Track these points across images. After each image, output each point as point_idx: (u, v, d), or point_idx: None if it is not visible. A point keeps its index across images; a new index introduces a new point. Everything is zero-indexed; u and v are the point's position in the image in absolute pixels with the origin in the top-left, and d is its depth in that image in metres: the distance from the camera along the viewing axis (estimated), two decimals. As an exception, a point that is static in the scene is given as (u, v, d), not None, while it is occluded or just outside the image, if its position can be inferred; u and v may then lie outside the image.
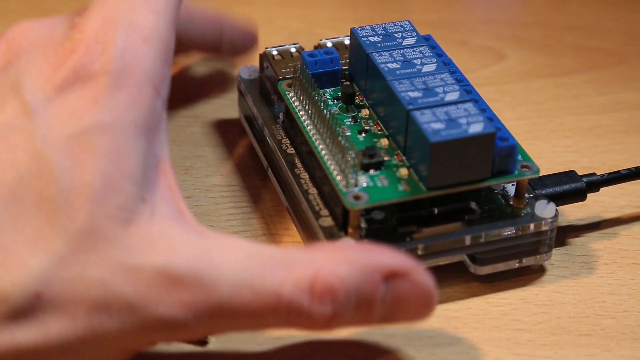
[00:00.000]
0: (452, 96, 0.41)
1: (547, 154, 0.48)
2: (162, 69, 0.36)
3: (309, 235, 0.42)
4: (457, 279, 0.42)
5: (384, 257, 0.35)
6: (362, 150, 0.41)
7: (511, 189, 0.42)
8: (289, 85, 0.44)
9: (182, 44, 0.46)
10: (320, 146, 0.41)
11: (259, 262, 0.34)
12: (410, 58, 0.42)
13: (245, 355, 0.39)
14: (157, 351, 0.38)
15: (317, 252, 0.35)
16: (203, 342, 0.39)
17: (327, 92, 0.44)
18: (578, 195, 0.43)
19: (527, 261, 0.42)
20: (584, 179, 0.44)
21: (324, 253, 0.34)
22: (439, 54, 0.44)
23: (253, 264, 0.34)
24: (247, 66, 0.48)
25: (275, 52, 0.47)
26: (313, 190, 0.42)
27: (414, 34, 0.44)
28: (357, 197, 0.39)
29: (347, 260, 0.34)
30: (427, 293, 0.35)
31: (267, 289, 0.33)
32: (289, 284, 0.33)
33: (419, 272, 0.35)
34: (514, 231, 0.41)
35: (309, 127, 0.42)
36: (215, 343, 0.39)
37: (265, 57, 0.47)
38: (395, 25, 0.44)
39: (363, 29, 0.44)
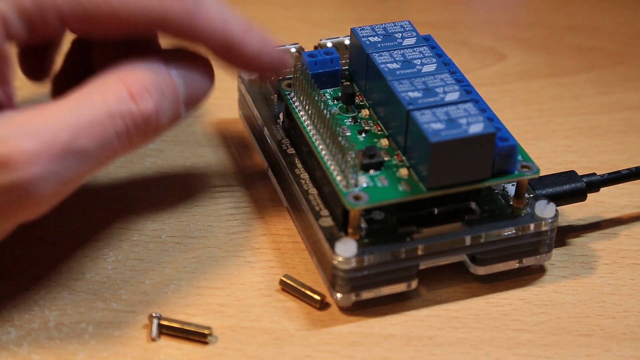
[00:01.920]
0: (452, 96, 0.41)
1: (547, 154, 0.48)
2: None
3: (309, 235, 0.42)
4: (457, 279, 0.42)
5: (162, 55, 0.39)
6: (362, 150, 0.41)
7: (511, 189, 0.42)
8: (289, 85, 0.44)
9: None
10: (320, 146, 0.41)
11: (77, 101, 0.37)
12: (410, 58, 0.42)
13: (245, 356, 0.39)
14: (156, 351, 0.38)
15: (113, 70, 0.38)
16: (204, 340, 0.39)
17: (327, 92, 0.44)
18: (578, 195, 0.43)
19: (527, 261, 0.42)
20: (584, 179, 0.43)
21: (119, 68, 0.38)
22: (439, 54, 0.44)
23: (74, 105, 0.37)
24: (247, 66, 0.48)
25: (275, 52, 0.47)
26: (313, 191, 0.42)
27: (414, 34, 0.44)
28: (357, 198, 0.39)
29: (139, 65, 0.38)
30: (203, 60, 0.40)
31: (99, 115, 0.36)
32: (111, 101, 0.37)
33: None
34: (514, 231, 0.41)
35: (309, 127, 0.42)
36: (216, 343, 0.39)
37: (265, 57, 0.47)
38: (395, 25, 0.44)
39: (363, 29, 0.44)
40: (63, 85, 0.43)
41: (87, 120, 0.36)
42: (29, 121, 0.36)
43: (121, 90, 0.37)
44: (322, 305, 0.40)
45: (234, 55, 0.40)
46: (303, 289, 0.40)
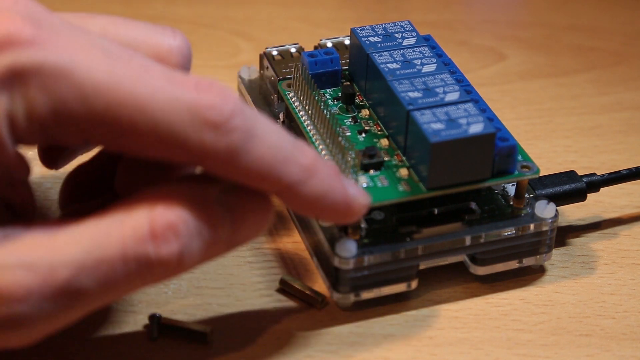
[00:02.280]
0: (452, 96, 0.41)
1: (547, 154, 0.48)
2: None
3: (309, 235, 0.42)
4: (457, 279, 0.42)
5: (211, 181, 0.34)
6: (362, 150, 0.41)
7: (511, 189, 0.42)
8: (289, 85, 0.44)
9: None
10: (320, 146, 0.41)
11: (91, 232, 0.32)
12: (410, 58, 0.42)
13: (245, 356, 0.39)
14: (156, 351, 0.38)
15: (145, 197, 0.33)
16: (204, 340, 0.39)
17: (327, 92, 0.44)
18: (578, 195, 0.43)
19: (527, 261, 0.42)
20: (584, 179, 0.43)
21: (151, 196, 0.33)
22: (439, 54, 0.44)
23: (86, 237, 0.32)
24: (247, 66, 0.48)
25: (275, 52, 0.47)
26: (313, 191, 0.42)
27: (414, 34, 0.44)
28: (357, 197, 0.39)
29: (176, 194, 0.33)
30: (261, 198, 0.34)
31: (110, 254, 0.32)
32: (129, 239, 0.32)
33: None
34: (514, 231, 0.41)
35: (309, 127, 0.42)
36: (215, 343, 0.39)
37: (265, 57, 0.47)
38: (395, 25, 0.44)
39: (363, 29, 0.44)
40: (74, 192, 0.39)
41: (96, 258, 0.32)
42: (31, 249, 0.32)
43: (143, 227, 0.32)
44: (322, 305, 0.40)
45: (290, 197, 0.34)
46: (303, 289, 0.40)
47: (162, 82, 0.32)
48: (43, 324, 0.33)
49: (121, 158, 0.38)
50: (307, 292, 0.40)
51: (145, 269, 0.33)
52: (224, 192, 0.34)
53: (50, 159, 0.39)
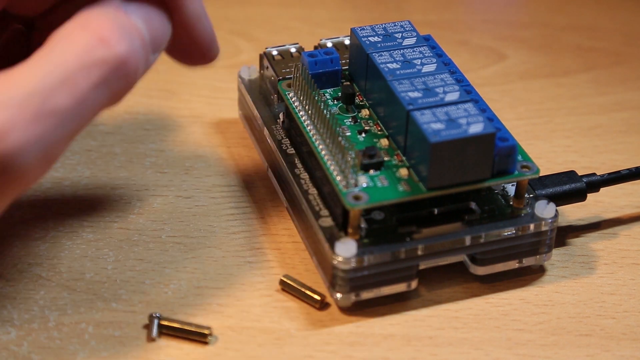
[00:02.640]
0: (452, 96, 0.41)
1: (547, 154, 0.48)
2: None
3: (309, 235, 0.42)
4: (457, 279, 0.42)
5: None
6: (362, 150, 0.41)
7: (511, 189, 0.42)
8: (289, 85, 0.44)
9: None
10: (320, 146, 0.41)
11: (44, 59, 0.34)
12: (410, 58, 0.42)
13: (245, 356, 0.39)
14: (156, 351, 0.38)
15: (74, 22, 0.35)
16: (204, 340, 0.39)
17: (327, 92, 0.44)
18: (578, 195, 0.43)
19: (527, 261, 0.42)
20: (584, 179, 0.44)
21: (79, 19, 0.35)
22: (439, 54, 0.44)
23: (41, 64, 0.34)
24: (247, 66, 0.48)
25: (275, 52, 0.47)
26: (313, 191, 0.42)
27: (414, 34, 0.44)
28: (357, 198, 0.39)
29: (96, 12, 0.35)
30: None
31: (70, 68, 0.34)
32: (81, 51, 0.34)
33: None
34: (514, 231, 0.41)
35: (309, 127, 0.42)
36: (216, 343, 0.39)
37: (265, 57, 0.47)
38: (395, 25, 0.44)
39: (363, 29, 0.44)
40: None
41: (58, 77, 0.34)
42: None
43: (89, 38, 0.34)
44: (322, 305, 0.40)
45: (175, 11, 0.37)
46: (303, 289, 0.40)
47: None
48: (37, 155, 0.34)
49: (34, 26, 0.40)
50: (307, 292, 0.40)
51: (110, 72, 0.35)
52: (128, 3, 0.36)
53: None
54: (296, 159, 0.43)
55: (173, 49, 0.39)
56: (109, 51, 0.34)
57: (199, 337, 0.39)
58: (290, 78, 0.45)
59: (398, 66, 0.42)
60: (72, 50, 0.34)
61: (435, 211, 0.41)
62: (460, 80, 0.43)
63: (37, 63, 0.34)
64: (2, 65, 0.37)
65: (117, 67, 0.35)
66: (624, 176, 0.44)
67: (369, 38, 0.43)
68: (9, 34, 0.41)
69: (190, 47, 0.39)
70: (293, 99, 0.44)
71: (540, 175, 0.41)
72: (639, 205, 0.46)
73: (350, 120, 0.43)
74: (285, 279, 0.41)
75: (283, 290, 0.41)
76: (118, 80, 0.35)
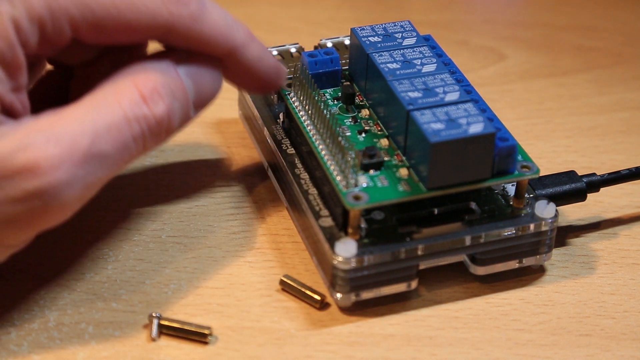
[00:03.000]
0: (452, 96, 0.41)
1: (547, 154, 0.48)
2: None
3: (309, 235, 0.42)
4: (457, 279, 0.42)
5: (167, 54, 0.39)
6: (362, 150, 0.41)
7: (511, 189, 0.42)
8: (289, 85, 0.44)
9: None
10: (320, 146, 0.41)
11: (92, 106, 0.37)
12: (410, 58, 0.42)
13: (245, 355, 0.39)
14: (156, 351, 0.38)
15: (122, 74, 0.38)
16: (204, 340, 0.39)
17: (327, 92, 0.44)
18: (578, 195, 0.43)
19: (527, 261, 0.42)
20: (584, 179, 0.44)
21: (127, 72, 0.38)
22: (439, 54, 0.44)
23: (89, 110, 0.36)
24: (247, 66, 0.48)
25: (275, 52, 0.47)
26: (313, 190, 0.42)
27: (414, 34, 0.44)
28: (357, 197, 0.39)
29: (146, 68, 0.38)
30: (212, 60, 0.40)
31: (116, 119, 0.37)
32: (126, 105, 0.37)
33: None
34: (514, 231, 0.41)
35: (309, 127, 0.42)
36: (216, 343, 0.39)
37: (265, 57, 0.47)
38: (395, 25, 0.44)
39: (363, 29, 0.44)
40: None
41: (105, 124, 0.36)
42: (49, 126, 0.36)
43: (134, 94, 0.37)
44: (322, 305, 0.40)
45: (236, 60, 0.40)
46: (303, 289, 0.40)
47: None
48: (76, 193, 0.36)
49: (72, 74, 0.42)
50: (307, 292, 0.40)
51: (147, 129, 0.37)
52: (181, 61, 0.39)
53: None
54: (296, 159, 0.43)
55: (241, 86, 0.42)
56: (148, 110, 0.37)
57: (199, 337, 0.39)
58: (290, 78, 0.45)
59: (398, 66, 0.42)
60: (119, 102, 0.37)
61: (435, 211, 0.41)
62: (460, 80, 0.43)
63: (88, 107, 0.36)
64: (35, 105, 0.39)
65: (154, 126, 0.37)
66: (624, 176, 0.44)
67: (369, 38, 0.43)
68: (47, 76, 0.43)
69: (258, 82, 0.41)
70: (293, 99, 0.44)
71: (540, 175, 0.41)
72: (639, 205, 0.46)
73: (350, 120, 0.43)
74: (285, 279, 0.41)
75: (283, 290, 0.41)
76: (152, 136, 0.38)
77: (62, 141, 0.35)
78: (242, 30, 0.40)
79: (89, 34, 0.37)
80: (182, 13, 0.38)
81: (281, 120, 0.45)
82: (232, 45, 0.39)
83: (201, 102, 0.40)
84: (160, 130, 0.38)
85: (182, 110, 0.38)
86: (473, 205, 0.41)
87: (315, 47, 0.47)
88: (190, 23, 0.38)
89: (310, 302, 0.40)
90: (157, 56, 0.39)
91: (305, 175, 0.43)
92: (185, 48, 0.39)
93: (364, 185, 0.40)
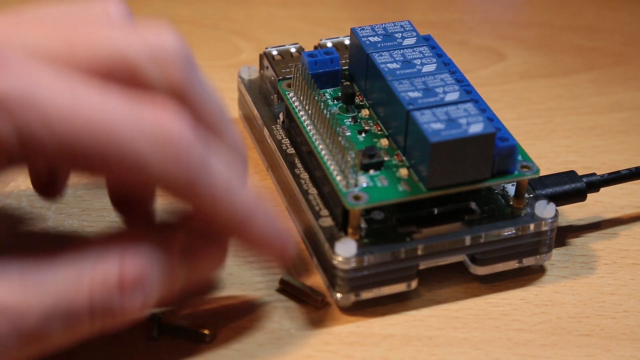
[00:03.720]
0: (452, 96, 0.41)
1: (547, 154, 0.48)
2: None
3: (309, 235, 0.42)
4: (457, 279, 0.42)
5: (175, 228, 0.35)
6: (362, 150, 0.41)
7: (511, 189, 0.42)
8: (289, 85, 0.44)
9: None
10: (320, 146, 0.41)
11: (62, 279, 0.33)
12: (410, 58, 0.42)
13: (245, 355, 0.39)
14: (156, 351, 0.38)
15: (115, 243, 0.34)
16: (204, 340, 0.39)
17: (327, 92, 0.44)
18: (578, 195, 0.43)
19: (527, 261, 0.42)
20: (584, 179, 0.44)
21: (122, 242, 0.34)
22: (439, 54, 0.44)
23: (57, 284, 0.33)
24: (247, 66, 0.48)
25: (275, 52, 0.47)
26: (313, 190, 0.42)
27: (414, 34, 0.44)
28: (357, 197, 0.39)
29: (144, 243, 0.34)
30: (218, 246, 0.36)
31: (78, 305, 0.33)
32: (97, 290, 0.33)
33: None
34: (514, 231, 0.41)
35: (309, 127, 0.42)
36: (215, 342, 0.39)
37: (265, 57, 0.47)
38: (395, 25, 0.44)
39: (363, 29, 0.44)
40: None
41: (64, 309, 0.33)
42: (4, 294, 0.32)
43: (113, 277, 0.33)
44: (322, 305, 0.40)
45: (238, 233, 0.36)
46: (303, 289, 0.40)
47: (123, 106, 0.32)
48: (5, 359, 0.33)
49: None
50: (307, 291, 0.40)
51: (109, 317, 0.34)
52: (185, 247, 0.35)
53: (42, 186, 0.40)
54: (296, 159, 0.43)
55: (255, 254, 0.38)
56: (120, 303, 0.33)
57: (199, 337, 0.39)
58: (290, 78, 0.45)
59: (398, 66, 0.42)
60: (89, 284, 0.33)
61: (435, 211, 0.41)
62: (460, 80, 0.43)
63: (54, 280, 0.33)
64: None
65: (118, 318, 0.34)
66: (624, 176, 0.44)
67: (369, 38, 0.43)
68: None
69: (257, 251, 0.38)
70: (293, 99, 0.44)
71: (540, 175, 0.41)
72: (639, 205, 0.46)
73: (350, 120, 0.43)
74: (285, 279, 0.41)
75: (283, 290, 0.41)
76: (112, 322, 0.34)
77: (9, 314, 0.32)
78: (245, 201, 0.35)
79: (70, 167, 0.34)
80: (179, 175, 0.33)
81: (281, 120, 0.45)
82: (231, 219, 0.35)
83: (187, 286, 0.36)
84: (123, 319, 0.34)
85: (160, 296, 0.35)
86: (473, 205, 0.41)
87: (315, 47, 0.47)
88: (185, 185, 0.33)
89: (310, 302, 0.40)
90: (160, 228, 0.35)
91: (305, 175, 0.43)
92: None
93: (364, 185, 0.40)
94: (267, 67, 0.46)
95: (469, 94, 0.42)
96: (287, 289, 0.41)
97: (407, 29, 0.44)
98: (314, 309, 0.40)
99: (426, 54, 0.43)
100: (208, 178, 0.33)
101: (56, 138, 0.31)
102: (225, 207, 0.34)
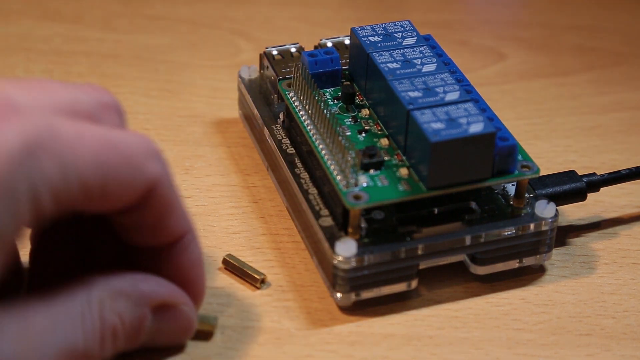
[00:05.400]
0: (452, 96, 0.41)
1: (547, 154, 0.48)
2: None
3: (309, 235, 0.42)
4: (457, 279, 0.42)
5: (155, 287, 0.36)
6: (362, 150, 0.41)
7: (511, 189, 0.42)
8: (289, 85, 0.44)
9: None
10: (321, 146, 0.41)
11: (62, 323, 0.34)
12: (410, 58, 0.42)
13: (245, 355, 0.39)
14: (156, 351, 0.38)
15: (94, 286, 0.35)
16: (205, 339, 0.39)
17: (327, 92, 0.44)
18: (578, 195, 0.43)
19: (527, 261, 0.42)
20: (584, 179, 0.44)
21: (100, 286, 0.35)
22: (439, 53, 0.44)
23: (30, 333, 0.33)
24: (247, 66, 0.48)
25: (275, 52, 0.47)
26: (313, 190, 0.42)
27: (414, 33, 0.44)
28: (357, 197, 0.39)
29: (123, 293, 0.35)
30: (188, 322, 0.38)
31: (77, 347, 0.34)
32: (90, 337, 0.34)
33: (185, 303, 0.37)
34: (514, 231, 0.41)
35: (309, 127, 0.42)
36: (216, 342, 0.39)
37: (265, 57, 0.47)
38: (395, 25, 0.44)
39: (363, 28, 0.44)
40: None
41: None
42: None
43: (95, 328, 0.34)
44: (262, 284, 0.41)
45: (184, 248, 0.37)
46: (243, 268, 0.41)
47: (106, 144, 0.34)
48: None
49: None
50: (247, 271, 0.41)
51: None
52: (160, 307, 0.37)
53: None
54: (296, 159, 0.43)
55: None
56: (99, 351, 0.35)
57: (200, 336, 0.39)
58: (290, 78, 0.45)
59: (398, 66, 0.42)
60: (83, 333, 0.34)
61: (436, 211, 0.41)
62: (461, 80, 0.43)
63: (27, 331, 0.33)
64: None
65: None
66: (624, 176, 0.44)
67: (369, 38, 0.43)
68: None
69: (188, 286, 0.38)
70: (293, 99, 0.44)
71: (541, 175, 0.41)
72: (639, 205, 0.46)
73: (350, 119, 0.43)
74: (227, 258, 0.41)
75: (226, 269, 0.41)
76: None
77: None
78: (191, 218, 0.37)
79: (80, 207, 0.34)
80: (163, 173, 0.35)
81: (281, 120, 0.45)
82: (187, 225, 0.37)
83: (148, 345, 0.37)
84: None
85: (120, 348, 0.36)
86: (473, 204, 0.41)
87: (315, 47, 0.47)
88: (168, 185, 0.35)
89: (249, 282, 0.41)
90: (140, 280, 0.36)
91: (305, 175, 0.43)
92: (151, 218, 0.36)
93: (364, 184, 0.40)
94: (267, 67, 0.46)
95: (469, 93, 0.42)
96: (229, 268, 0.41)
97: (407, 28, 0.44)
98: (254, 288, 0.41)
99: (426, 54, 0.43)
100: (171, 183, 0.36)
101: (83, 177, 0.33)
102: (180, 214, 0.36)
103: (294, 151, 0.44)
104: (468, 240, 0.40)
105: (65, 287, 0.35)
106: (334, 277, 0.39)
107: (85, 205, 0.33)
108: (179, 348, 0.38)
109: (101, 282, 0.35)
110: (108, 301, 0.35)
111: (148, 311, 0.36)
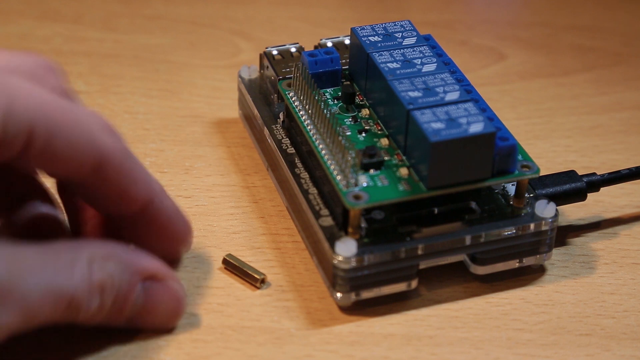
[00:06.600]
0: (452, 96, 0.41)
1: (547, 154, 0.48)
2: None
3: (309, 234, 0.42)
4: (457, 279, 0.42)
5: (145, 259, 0.38)
6: (362, 150, 0.41)
7: (511, 189, 0.42)
8: (289, 85, 0.44)
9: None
10: (321, 146, 0.41)
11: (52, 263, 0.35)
12: (410, 58, 0.42)
13: (245, 355, 0.39)
14: (156, 351, 0.38)
15: (86, 245, 0.36)
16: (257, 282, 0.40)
17: (327, 92, 0.44)
18: (578, 195, 0.43)
19: (527, 261, 0.42)
20: (584, 179, 0.44)
21: (92, 246, 0.36)
22: (439, 53, 0.44)
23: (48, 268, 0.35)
24: (247, 66, 0.48)
25: (275, 52, 0.47)
26: (313, 190, 0.42)
27: (414, 33, 0.44)
28: (357, 197, 0.39)
29: (114, 256, 0.36)
30: (177, 300, 0.38)
31: (64, 291, 0.35)
32: (78, 283, 0.35)
33: (174, 280, 0.38)
34: (514, 231, 0.41)
35: (309, 127, 0.42)
36: (215, 342, 0.39)
37: (265, 56, 0.47)
38: (395, 25, 0.44)
39: (363, 28, 0.44)
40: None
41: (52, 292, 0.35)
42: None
43: (84, 277, 0.35)
44: (262, 284, 0.41)
45: (155, 210, 0.38)
46: (243, 268, 0.41)
47: (59, 106, 0.35)
48: None
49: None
50: (248, 271, 0.41)
51: (70, 310, 0.35)
52: (149, 279, 0.38)
53: None
54: (296, 159, 0.43)
55: (153, 246, 0.39)
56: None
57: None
58: (290, 78, 0.45)
59: (398, 66, 0.42)
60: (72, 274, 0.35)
61: (436, 211, 0.41)
62: (461, 80, 0.43)
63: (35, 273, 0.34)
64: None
65: (72, 314, 0.35)
66: (624, 176, 0.44)
67: (369, 38, 0.43)
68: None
69: (171, 238, 0.40)
70: (293, 99, 0.44)
71: (541, 174, 0.41)
72: (639, 205, 0.46)
73: (350, 119, 0.43)
74: (227, 258, 0.41)
75: (226, 269, 0.41)
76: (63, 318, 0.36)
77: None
78: (157, 181, 0.38)
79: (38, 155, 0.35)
80: (117, 145, 0.36)
81: (281, 120, 0.45)
82: (153, 191, 0.38)
83: (137, 325, 0.38)
84: (72, 318, 0.36)
85: (104, 314, 0.36)
86: (473, 204, 0.41)
87: (315, 47, 0.47)
88: (123, 156, 0.36)
89: (249, 281, 0.41)
90: (131, 250, 0.38)
91: (305, 175, 0.43)
92: (111, 189, 0.37)
93: (364, 184, 0.40)
94: (267, 67, 0.46)
95: (469, 93, 0.42)
96: (229, 268, 0.41)
97: (407, 28, 0.44)
98: (254, 288, 0.41)
99: (426, 54, 0.43)
100: (128, 155, 0.37)
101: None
102: (148, 179, 0.37)
103: (294, 151, 0.44)
104: (468, 240, 0.40)
105: (59, 241, 0.36)
106: (334, 277, 0.39)
107: (30, 155, 0.34)
108: (179, 348, 0.38)
109: (93, 244, 0.37)
110: (99, 260, 0.36)
111: (137, 280, 0.37)
